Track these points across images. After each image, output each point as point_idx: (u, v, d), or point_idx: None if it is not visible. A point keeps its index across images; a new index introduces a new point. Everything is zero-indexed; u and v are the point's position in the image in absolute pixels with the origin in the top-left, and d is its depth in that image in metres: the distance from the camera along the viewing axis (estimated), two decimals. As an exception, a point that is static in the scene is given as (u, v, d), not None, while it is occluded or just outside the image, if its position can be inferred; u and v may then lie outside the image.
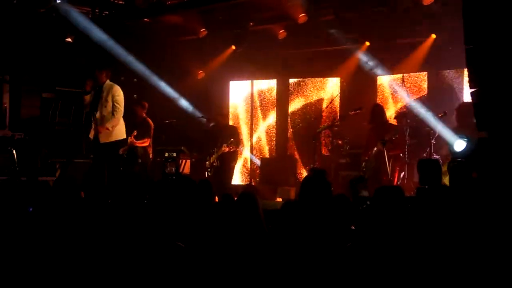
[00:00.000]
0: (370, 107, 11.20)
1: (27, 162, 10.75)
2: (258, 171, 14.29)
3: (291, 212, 4.40)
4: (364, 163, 10.51)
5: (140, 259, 4.17)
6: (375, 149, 10.28)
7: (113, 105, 9.50)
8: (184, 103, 14.34)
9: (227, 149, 11.47)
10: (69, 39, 13.11)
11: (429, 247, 4.19)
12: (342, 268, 3.87)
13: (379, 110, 11.11)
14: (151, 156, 12.21)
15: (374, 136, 10.57)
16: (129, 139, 11.34)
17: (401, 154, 10.36)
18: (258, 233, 4.62)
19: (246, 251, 4.25)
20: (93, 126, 9.59)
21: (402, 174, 10.38)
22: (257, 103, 14.89)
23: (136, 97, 12.90)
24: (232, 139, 11.57)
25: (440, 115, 10.38)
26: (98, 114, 9.48)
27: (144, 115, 12.17)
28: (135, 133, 11.61)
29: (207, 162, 11.83)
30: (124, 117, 9.86)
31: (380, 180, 10.00)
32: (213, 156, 11.67)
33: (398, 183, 10.20)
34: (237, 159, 12.31)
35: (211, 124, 12.72)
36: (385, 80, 13.11)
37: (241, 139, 13.56)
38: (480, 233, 4.33)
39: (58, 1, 12.01)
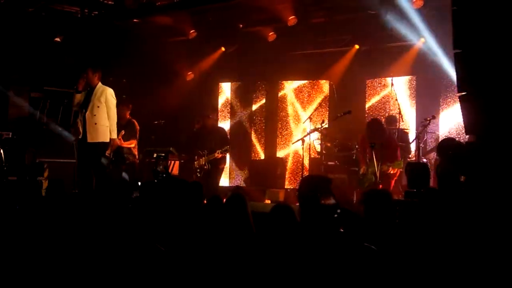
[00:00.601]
0: (367, 123, 10.53)
1: (14, 161, 10.70)
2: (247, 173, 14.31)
3: (281, 215, 4.39)
4: (362, 177, 10.14)
5: (122, 260, 4.17)
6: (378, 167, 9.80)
7: (108, 110, 9.49)
8: (173, 104, 14.30)
9: (220, 156, 11.52)
10: (58, 39, 13.07)
11: (418, 249, 4.21)
12: (330, 269, 3.87)
13: (378, 126, 10.13)
14: (137, 157, 12.14)
15: (369, 150, 10.03)
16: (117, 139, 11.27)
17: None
18: (246, 234, 4.62)
19: (234, 252, 4.25)
20: (79, 125, 9.55)
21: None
22: (247, 105, 14.92)
23: (125, 98, 12.85)
24: (227, 147, 11.63)
25: (428, 118, 10.41)
26: (88, 113, 9.44)
27: (129, 116, 12.03)
28: (122, 133, 11.51)
29: (196, 162, 11.83)
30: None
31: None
32: (204, 158, 11.67)
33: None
34: (225, 162, 12.32)
35: (199, 126, 12.69)
36: (374, 84, 13.16)
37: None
38: (469, 235, 4.35)
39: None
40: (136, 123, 11.98)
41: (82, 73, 9.60)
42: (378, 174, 9.50)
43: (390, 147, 9.83)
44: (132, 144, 11.81)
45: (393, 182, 9.91)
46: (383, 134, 9.99)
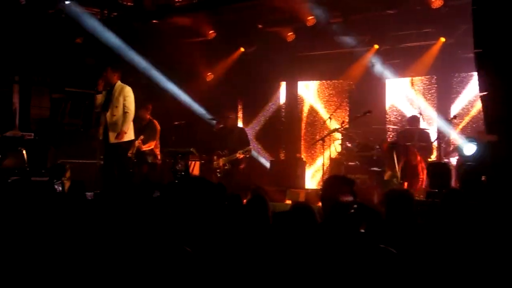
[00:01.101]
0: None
1: (37, 162, 10.79)
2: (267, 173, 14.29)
3: (300, 215, 4.39)
4: (392, 178, 10.15)
5: (145, 262, 4.18)
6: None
7: (124, 108, 9.54)
8: (193, 104, 14.35)
9: (241, 156, 11.53)
10: (78, 40, 13.16)
11: (439, 251, 4.18)
12: (345, 271, 3.86)
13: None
14: (159, 157, 12.19)
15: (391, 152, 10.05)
16: (137, 143, 11.28)
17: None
18: (266, 235, 4.61)
19: (253, 252, 4.25)
20: (102, 126, 9.64)
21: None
22: (267, 105, 14.94)
23: (144, 98, 12.90)
24: (249, 147, 11.64)
25: (449, 119, 10.36)
26: (109, 114, 9.53)
27: (149, 116, 12.06)
28: (142, 137, 11.55)
29: (215, 163, 11.85)
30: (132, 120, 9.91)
31: None
32: (223, 158, 11.69)
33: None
34: (246, 161, 12.35)
35: (220, 126, 12.73)
36: (394, 84, 13.10)
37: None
38: (492, 237, 4.31)
39: (67, 2, 12.06)
40: (156, 123, 12.03)
41: (102, 72, 9.69)
42: (399, 175, 9.50)
43: (413, 164, 9.94)
44: (151, 146, 11.85)
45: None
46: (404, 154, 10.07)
